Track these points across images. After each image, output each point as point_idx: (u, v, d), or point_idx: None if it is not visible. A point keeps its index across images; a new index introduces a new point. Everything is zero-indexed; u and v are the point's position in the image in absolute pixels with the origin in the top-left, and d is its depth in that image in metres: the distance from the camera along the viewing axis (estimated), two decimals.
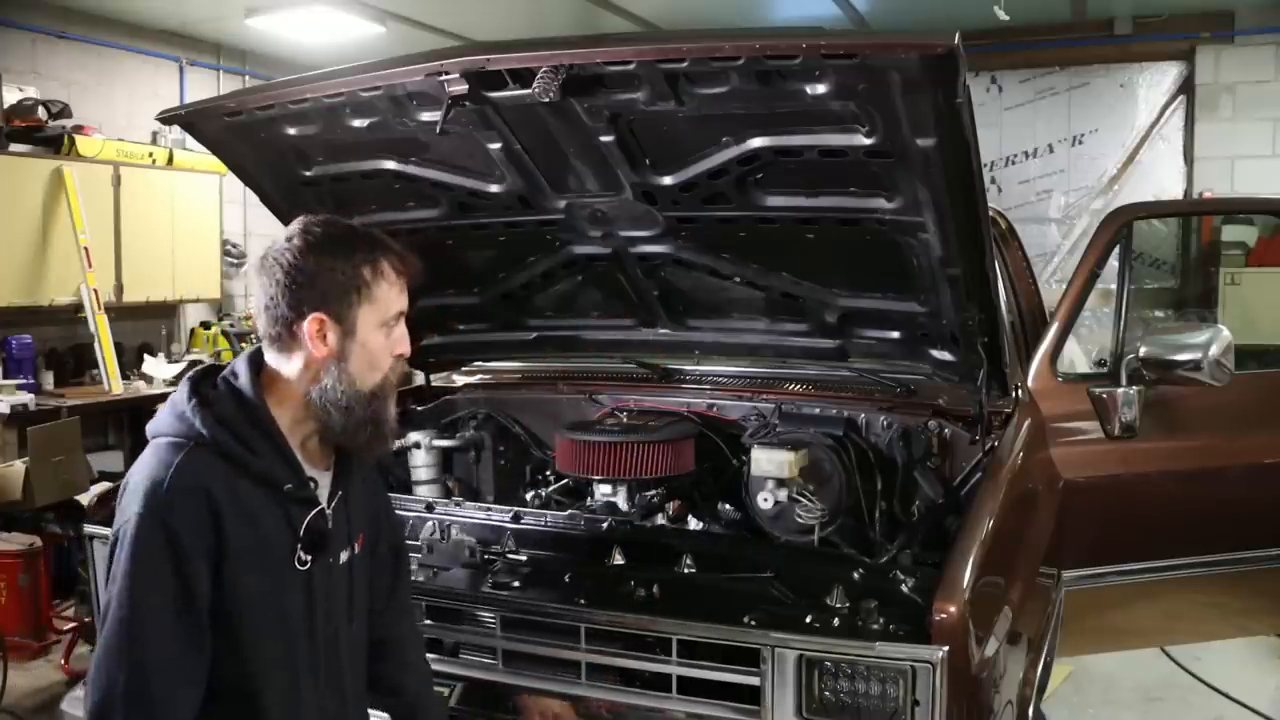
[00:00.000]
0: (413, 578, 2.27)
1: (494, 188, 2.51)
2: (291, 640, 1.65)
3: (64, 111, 6.72)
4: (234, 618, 1.59)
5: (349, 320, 1.66)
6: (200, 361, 6.95)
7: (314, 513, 1.68)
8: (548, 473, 3.09)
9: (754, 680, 1.98)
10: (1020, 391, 2.82)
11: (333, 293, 1.64)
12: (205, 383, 1.67)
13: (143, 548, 1.53)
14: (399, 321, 1.73)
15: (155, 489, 1.55)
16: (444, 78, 2.10)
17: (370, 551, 1.87)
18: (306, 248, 1.65)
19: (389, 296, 1.69)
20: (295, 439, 1.67)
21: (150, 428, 1.65)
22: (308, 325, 1.64)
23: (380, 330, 1.69)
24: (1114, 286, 3.31)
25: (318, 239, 1.66)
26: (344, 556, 1.76)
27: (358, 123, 2.35)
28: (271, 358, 1.68)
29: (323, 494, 1.72)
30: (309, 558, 1.67)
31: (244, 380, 1.66)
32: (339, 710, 1.77)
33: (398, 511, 2.48)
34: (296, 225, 1.69)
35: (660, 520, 2.71)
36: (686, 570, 2.21)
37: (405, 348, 1.74)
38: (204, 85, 8.14)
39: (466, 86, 2.09)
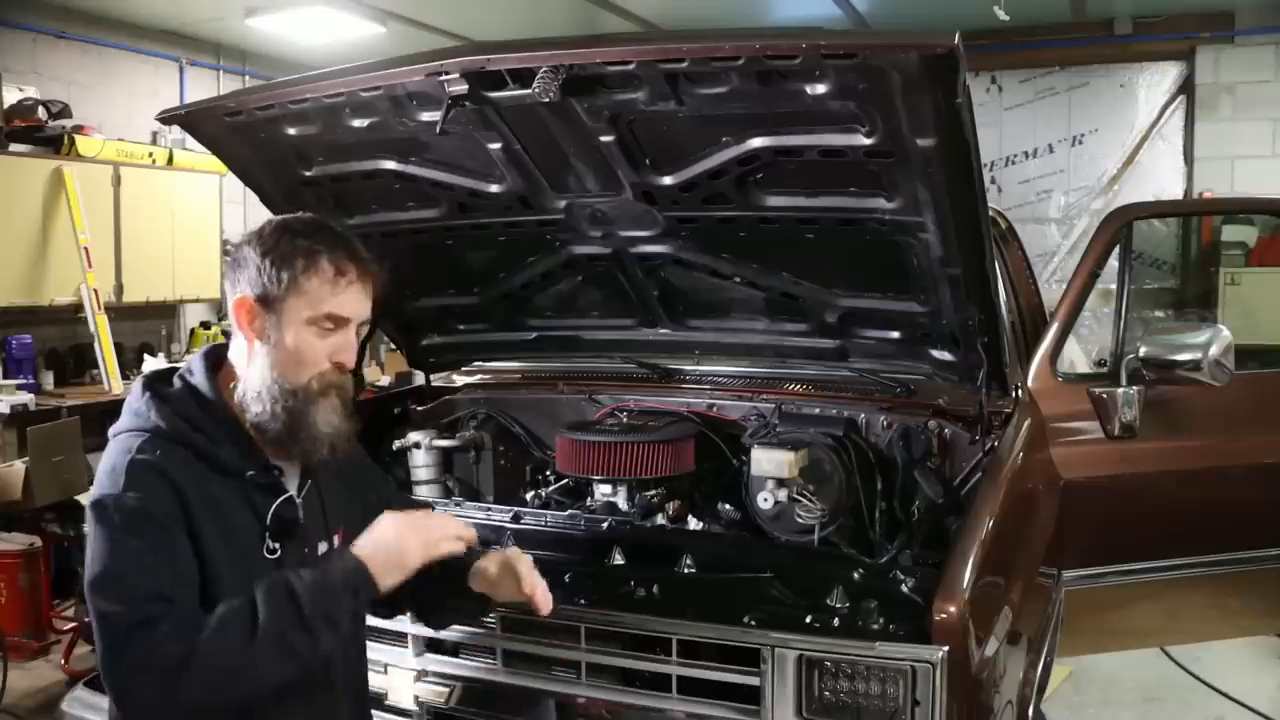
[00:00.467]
0: None
1: (494, 188, 2.51)
2: None
3: (64, 111, 6.73)
4: (207, 607, 1.57)
5: (275, 309, 1.65)
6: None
7: (280, 500, 1.68)
8: (548, 473, 3.09)
9: (754, 680, 1.98)
10: (1020, 391, 2.82)
11: (260, 278, 1.65)
12: (161, 381, 1.69)
13: (108, 523, 1.54)
14: (339, 327, 1.68)
15: (114, 473, 1.57)
16: (444, 78, 2.10)
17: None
18: (255, 235, 1.68)
19: (319, 293, 1.65)
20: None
21: (111, 430, 1.66)
22: (234, 306, 1.67)
23: (308, 328, 1.66)
24: (1114, 286, 3.31)
25: (270, 228, 1.69)
26: (321, 548, 1.76)
27: (358, 123, 2.35)
28: (230, 349, 1.72)
29: (291, 483, 1.72)
30: (277, 546, 1.66)
31: (199, 375, 1.69)
32: (328, 703, 1.76)
33: None
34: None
35: (660, 520, 2.71)
36: (686, 570, 2.20)
37: (345, 357, 1.69)
38: (204, 85, 8.15)
39: (466, 86, 2.09)
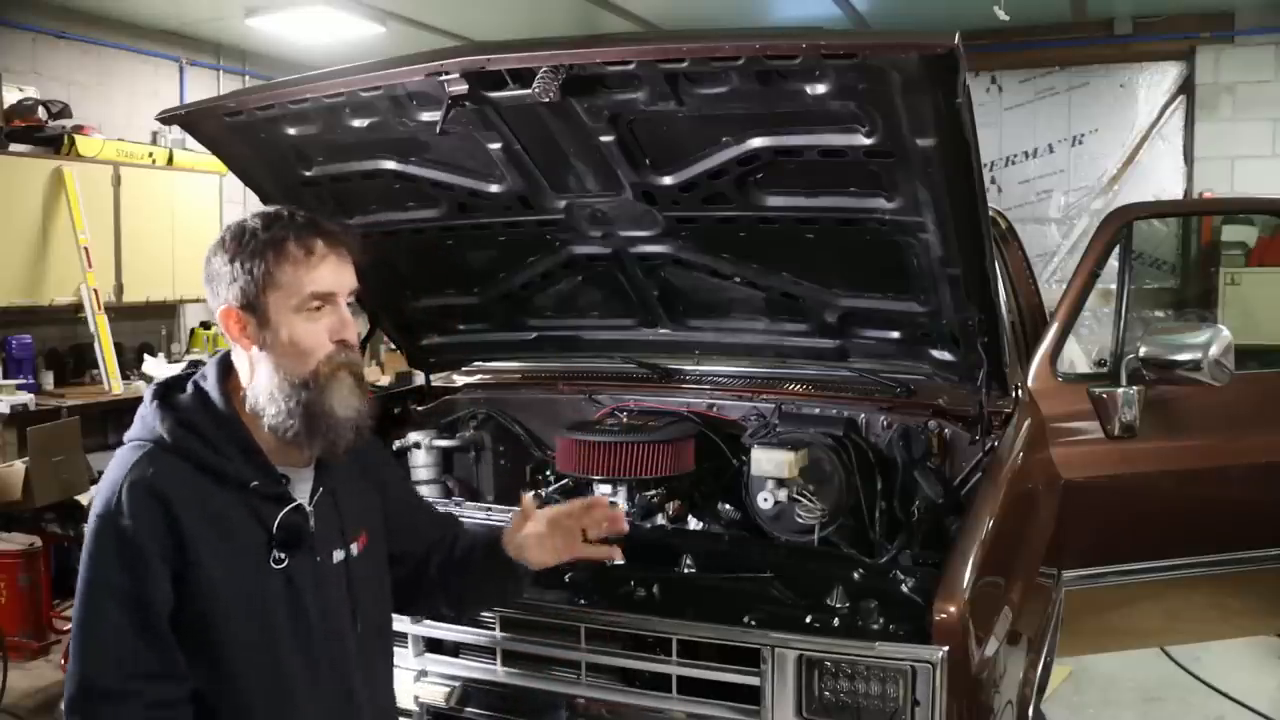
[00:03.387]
0: None
1: (494, 188, 2.51)
2: (274, 643, 1.63)
3: (64, 111, 6.73)
4: (210, 625, 1.58)
5: (260, 309, 1.63)
6: (201, 362, 6.97)
7: (287, 510, 1.65)
8: (548, 473, 3.08)
9: (754, 680, 1.98)
10: (1020, 391, 2.82)
11: (237, 285, 1.63)
12: (174, 389, 1.68)
13: (97, 549, 1.56)
14: (327, 303, 1.66)
15: (111, 491, 1.57)
16: (444, 78, 2.10)
17: (377, 545, 1.84)
18: (219, 244, 1.66)
19: (294, 278, 1.63)
20: (270, 437, 1.66)
21: (126, 435, 1.67)
22: (221, 319, 1.65)
23: (298, 315, 1.63)
24: (1114, 286, 3.31)
25: (230, 233, 1.66)
26: (337, 555, 1.74)
27: (358, 123, 2.35)
28: (234, 357, 1.70)
29: (303, 491, 1.70)
30: (284, 556, 1.64)
31: (211, 381, 1.68)
32: (345, 714, 1.75)
33: None
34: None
35: (660, 520, 2.71)
36: (686, 570, 2.21)
37: (345, 333, 1.67)
38: (204, 85, 8.14)
39: (466, 86, 2.09)
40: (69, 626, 4.60)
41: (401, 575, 1.94)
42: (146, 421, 1.63)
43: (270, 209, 1.71)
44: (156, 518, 1.54)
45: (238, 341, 1.66)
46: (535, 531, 1.94)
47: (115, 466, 1.60)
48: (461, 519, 2.44)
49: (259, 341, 1.64)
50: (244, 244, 1.63)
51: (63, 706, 1.56)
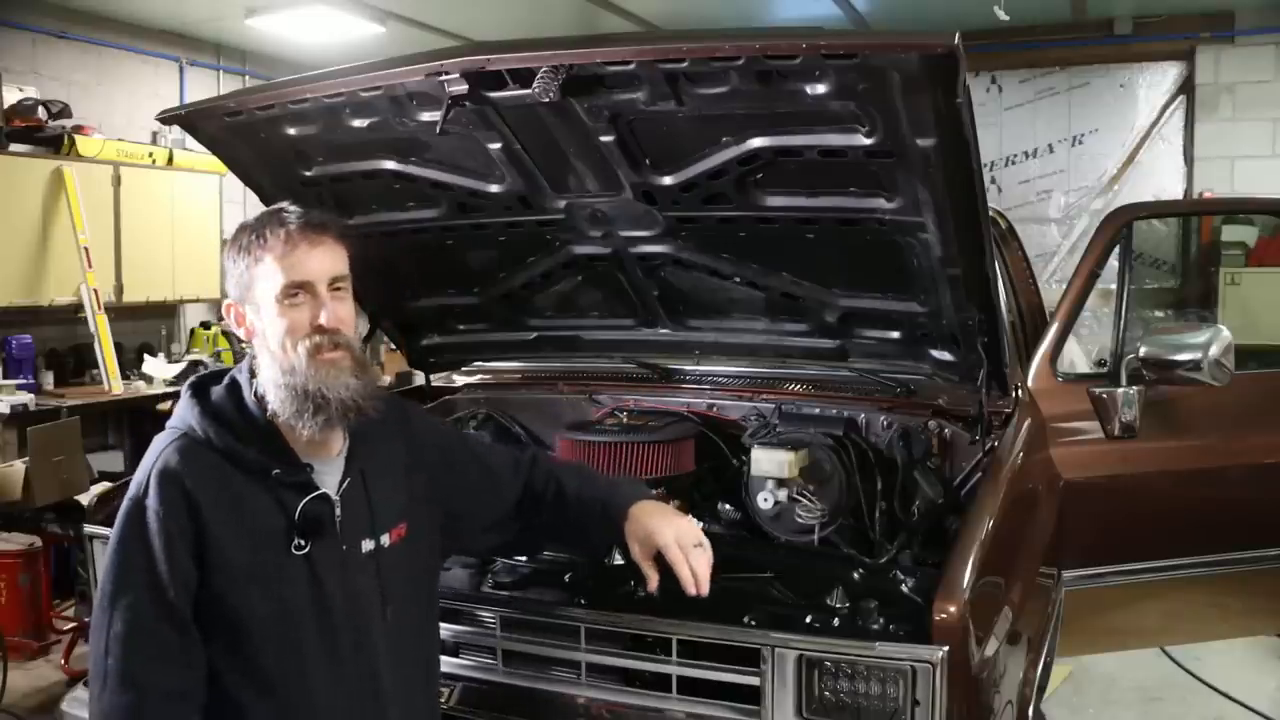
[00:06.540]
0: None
1: (494, 188, 2.51)
2: (295, 624, 1.67)
3: (64, 111, 6.73)
4: (227, 603, 1.64)
5: (252, 300, 1.73)
6: (201, 362, 6.98)
7: (310, 498, 1.70)
8: None
9: (754, 680, 1.98)
10: (1020, 391, 2.82)
11: (234, 278, 1.75)
12: (213, 380, 1.78)
13: (123, 533, 1.65)
14: (308, 292, 1.70)
15: (141, 477, 1.68)
16: (444, 78, 2.10)
17: (417, 538, 1.86)
18: (224, 245, 1.80)
19: (274, 269, 1.69)
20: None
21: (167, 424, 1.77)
22: (228, 314, 1.79)
23: (279, 304, 1.69)
24: (1114, 286, 3.31)
25: (234, 232, 1.77)
26: (366, 545, 1.76)
27: (358, 123, 2.35)
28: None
29: (330, 481, 1.75)
30: (306, 544, 1.69)
31: (244, 374, 1.76)
32: (373, 708, 1.76)
33: None
34: None
35: None
36: None
37: (324, 318, 1.70)
38: (204, 85, 8.15)
39: (466, 86, 2.09)
40: (69, 626, 4.66)
41: (510, 536, 2.08)
42: (180, 412, 1.73)
43: (268, 209, 1.79)
44: (178, 502, 1.63)
45: (242, 333, 1.76)
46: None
47: (149, 454, 1.70)
48: None
49: (255, 332, 1.74)
50: (238, 240, 1.75)
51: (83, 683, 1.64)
